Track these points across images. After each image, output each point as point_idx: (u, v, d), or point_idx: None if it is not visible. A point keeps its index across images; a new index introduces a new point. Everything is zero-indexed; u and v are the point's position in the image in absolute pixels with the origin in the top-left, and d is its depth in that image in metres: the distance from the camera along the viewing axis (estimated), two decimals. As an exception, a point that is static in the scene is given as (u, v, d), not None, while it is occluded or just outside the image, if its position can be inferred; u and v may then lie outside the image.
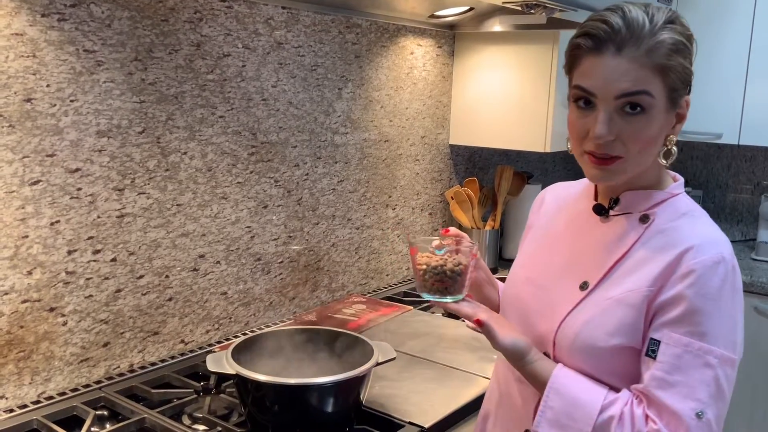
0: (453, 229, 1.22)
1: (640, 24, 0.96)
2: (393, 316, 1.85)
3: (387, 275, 2.18)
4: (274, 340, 1.33)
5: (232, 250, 1.67)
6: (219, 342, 1.65)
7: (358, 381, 1.20)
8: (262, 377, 1.15)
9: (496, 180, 2.40)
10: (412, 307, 1.93)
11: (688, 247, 0.96)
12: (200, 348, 1.61)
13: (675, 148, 1.01)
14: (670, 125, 1.01)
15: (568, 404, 0.97)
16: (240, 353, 1.26)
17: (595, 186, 1.12)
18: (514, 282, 1.18)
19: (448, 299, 1.12)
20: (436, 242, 1.19)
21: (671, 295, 0.95)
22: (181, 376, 1.46)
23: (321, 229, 1.91)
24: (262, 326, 1.76)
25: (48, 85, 1.28)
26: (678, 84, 0.98)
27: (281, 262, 1.80)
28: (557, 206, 1.20)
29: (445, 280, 1.10)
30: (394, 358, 1.27)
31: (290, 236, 1.81)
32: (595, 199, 1.11)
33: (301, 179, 1.82)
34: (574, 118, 1.03)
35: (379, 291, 2.11)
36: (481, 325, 1.03)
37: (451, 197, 2.32)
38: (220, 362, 1.20)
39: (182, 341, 1.59)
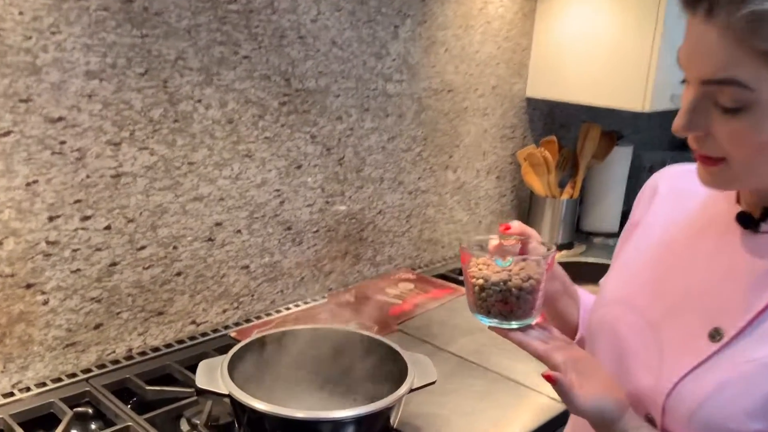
0: (516, 225, 0.90)
1: None
2: (444, 301, 1.57)
3: (442, 247, 1.89)
4: (285, 342, 1.07)
5: (257, 218, 1.41)
6: (237, 324, 1.41)
7: (385, 412, 0.94)
8: (261, 406, 0.89)
9: (579, 140, 2.05)
10: (468, 291, 1.64)
11: None
12: (214, 330, 1.38)
13: None
14: None
15: None
16: (241, 361, 1.01)
17: None
18: (608, 303, 0.87)
19: (513, 325, 0.83)
20: (494, 242, 0.88)
21: None
22: (184, 369, 1.23)
23: (366, 194, 1.62)
24: (291, 305, 1.52)
25: (21, 13, 1.02)
26: None
27: (316, 231, 1.53)
28: (677, 203, 0.87)
29: (510, 301, 0.81)
30: (433, 382, 1.00)
31: (328, 201, 1.54)
32: (738, 201, 0.78)
33: (344, 135, 1.53)
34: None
35: (432, 266, 1.83)
36: (552, 382, 0.74)
37: (524, 159, 1.99)
38: (213, 375, 0.96)
39: (193, 322, 1.36)
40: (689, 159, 0.92)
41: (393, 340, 1.38)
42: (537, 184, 2.00)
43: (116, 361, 1.24)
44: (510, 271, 0.82)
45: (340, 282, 1.63)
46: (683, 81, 0.70)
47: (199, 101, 1.26)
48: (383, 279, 1.68)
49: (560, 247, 2.02)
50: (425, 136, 1.73)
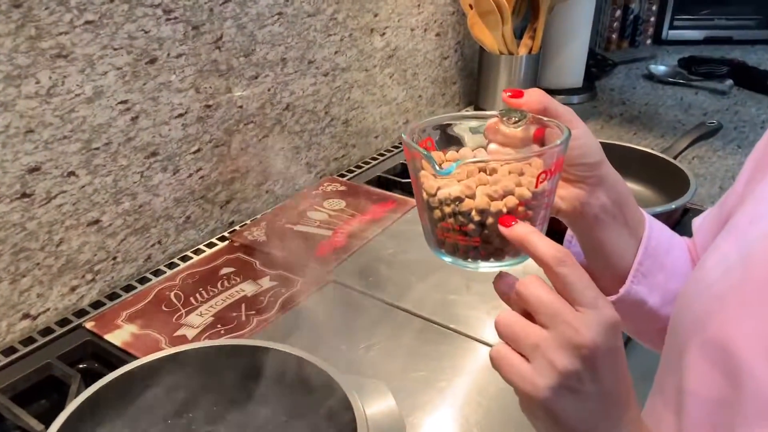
0: (535, 94, 0.54)
1: None
2: (388, 223, 1.16)
3: (375, 137, 1.45)
4: (160, 380, 0.65)
5: (98, 149, 0.93)
6: (98, 304, 0.97)
7: None
8: None
9: (538, -25, 1.57)
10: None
11: None
12: (63, 322, 0.94)
13: None
14: None
15: None
16: (108, 407, 0.60)
17: None
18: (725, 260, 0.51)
19: (481, 266, 0.51)
20: (492, 122, 0.54)
21: None
22: (14, 404, 0.80)
23: (264, 86, 1.14)
24: (176, 258, 1.08)
25: None
26: None
27: (197, 150, 1.07)
28: None
29: (469, 231, 0.49)
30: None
31: (209, 105, 1.06)
32: None
33: (218, 2, 1.02)
34: None
35: (364, 167, 1.40)
36: None
37: (470, 6, 1.52)
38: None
39: (27, 315, 0.91)
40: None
41: (328, 296, 0.99)
42: (488, 38, 1.54)
43: None
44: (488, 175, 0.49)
45: (243, 212, 1.19)
46: None
47: (-54, -26, 0.73)
48: (303, 197, 1.24)
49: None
50: (338, -9, 1.23)
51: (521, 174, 0.49)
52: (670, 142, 1.40)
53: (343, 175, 1.34)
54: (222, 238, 1.13)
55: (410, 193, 1.26)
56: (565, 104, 0.56)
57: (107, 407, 0.62)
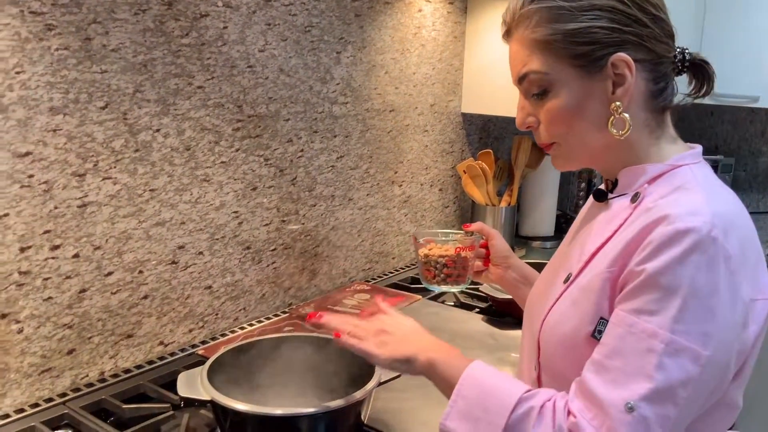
0: (476, 224, 1.18)
1: (516, 2, 0.89)
2: (399, 308, 1.66)
3: (393, 258, 1.99)
4: (259, 352, 1.14)
5: (217, 239, 1.47)
6: (204, 342, 1.47)
7: (356, 406, 1.02)
8: (242, 407, 0.96)
9: (513, 152, 2.19)
10: (420, 296, 1.74)
11: (658, 218, 0.78)
12: (182, 350, 1.43)
13: (626, 115, 0.85)
14: (604, 91, 0.86)
15: (483, 393, 0.82)
16: (218, 370, 1.08)
17: None
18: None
19: (436, 288, 1.24)
20: (458, 236, 1.23)
21: (628, 270, 0.80)
22: (158, 387, 1.28)
23: (319, 212, 1.71)
24: (254, 321, 1.58)
25: (-14, 55, 1.08)
26: (580, 48, 0.84)
27: (274, 249, 1.61)
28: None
29: (430, 269, 1.19)
30: (399, 376, 1.09)
31: (283, 220, 1.62)
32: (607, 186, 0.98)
33: (295, 156, 1.62)
34: None
35: (384, 277, 1.93)
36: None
37: (464, 171, 2.11)
38: (194, 384, 1.02)
39: (161, 343, 1.41)
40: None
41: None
42: (477, 194, 2.12)
43: (90, 384, 1.28)
44: (431, 251, 1.19)
45: (299, 297, 1.70)
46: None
47: (158, 131, 1.32)
48: (340, 292, 1.76)
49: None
50: (371, 154, 1.83)
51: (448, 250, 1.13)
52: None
53: (368, 281, 1.87)
54: (283, 312, 1.63)
55: (414, 291, 1.77)
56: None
57: (237, 359, 1.10)
